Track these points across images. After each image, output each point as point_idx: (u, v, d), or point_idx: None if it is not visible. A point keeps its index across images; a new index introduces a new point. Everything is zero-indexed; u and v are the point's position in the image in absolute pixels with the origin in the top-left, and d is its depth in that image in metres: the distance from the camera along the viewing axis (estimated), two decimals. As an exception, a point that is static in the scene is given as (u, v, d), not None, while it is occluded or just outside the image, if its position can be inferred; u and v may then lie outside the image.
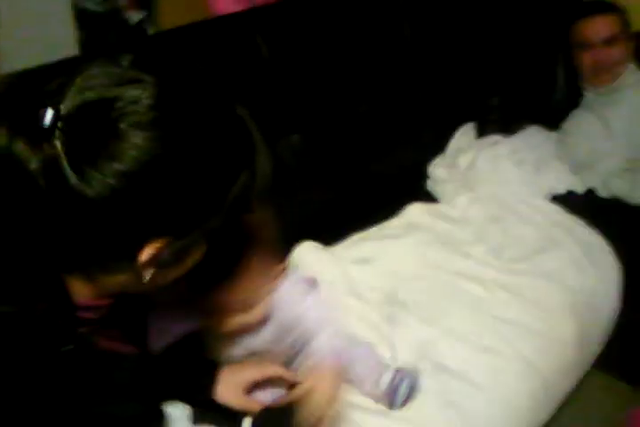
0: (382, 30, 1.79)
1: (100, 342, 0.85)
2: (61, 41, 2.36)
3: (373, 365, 1.27)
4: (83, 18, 2.83)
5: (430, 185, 1.88)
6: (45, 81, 0.69)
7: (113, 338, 0.88)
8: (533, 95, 2.07)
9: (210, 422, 1.11)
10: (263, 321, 1.13)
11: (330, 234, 1.67)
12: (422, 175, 1.91)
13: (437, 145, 1.96)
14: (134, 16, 3.02)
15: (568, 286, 1.53)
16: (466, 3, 1.94)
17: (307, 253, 1.55)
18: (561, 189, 1.83)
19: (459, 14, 1.92)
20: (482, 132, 1.99)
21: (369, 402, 1.25)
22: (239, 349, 1.15)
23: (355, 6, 1.76)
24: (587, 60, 1.90)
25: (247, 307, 1.09)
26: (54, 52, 1.53)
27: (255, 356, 1.15)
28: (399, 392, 1.23)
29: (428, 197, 1.84)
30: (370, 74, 1.79)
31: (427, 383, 1.28)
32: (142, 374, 0.94)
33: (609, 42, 1.86)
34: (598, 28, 1.87)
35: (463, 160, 1.87)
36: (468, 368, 1.31)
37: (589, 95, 1.95)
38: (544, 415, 1.38)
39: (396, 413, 1.24)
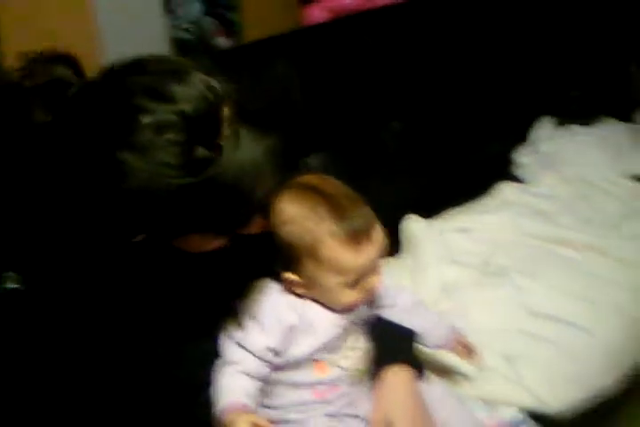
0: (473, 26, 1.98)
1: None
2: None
3: None
4: (179, 47, 3.11)
5: (516, 170, 2.03)
6: None
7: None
8: (610, 89, 2.22)
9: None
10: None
11: (427, 212, 1.84)
12: (508, 162, 2.06)
13: (520, 135, 2.13)
14: (224, 42, 3.29)
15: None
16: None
17: (411, 224, 1.73)
18: (642, 171, 1.95)
19: (542, 11, 2.09)
20: (562, 123, 2.13)
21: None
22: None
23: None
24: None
25: None
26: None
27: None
28: None
29: (515, 181, 1.98)
30: (460, 70, 1.98)
31: (521, 326, 1.42)
32: None
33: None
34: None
35: (546, 147, 2.02)
36: (567, 313, 1.45)
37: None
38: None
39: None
